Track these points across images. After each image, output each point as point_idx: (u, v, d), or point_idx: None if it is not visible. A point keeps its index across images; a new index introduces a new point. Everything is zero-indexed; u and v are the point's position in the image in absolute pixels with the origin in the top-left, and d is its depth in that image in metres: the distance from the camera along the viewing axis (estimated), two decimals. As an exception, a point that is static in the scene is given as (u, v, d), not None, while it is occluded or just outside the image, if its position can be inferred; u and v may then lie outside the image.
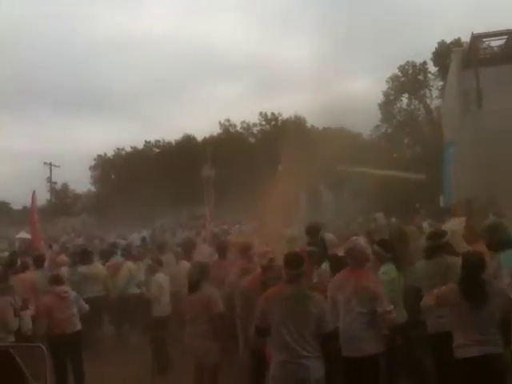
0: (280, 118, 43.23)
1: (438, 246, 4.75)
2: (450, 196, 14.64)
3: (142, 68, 65.72)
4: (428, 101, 37.89)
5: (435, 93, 36.84)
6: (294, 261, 4.02)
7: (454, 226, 6.80)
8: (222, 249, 6.88)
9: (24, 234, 16.05)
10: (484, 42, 17.40)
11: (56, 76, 69.92)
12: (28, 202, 14.09)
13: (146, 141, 46.00)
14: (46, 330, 5.71)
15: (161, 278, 7.02)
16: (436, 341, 4.48)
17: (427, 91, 37.91)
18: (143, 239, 14.88)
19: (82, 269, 7.97)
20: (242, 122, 44.54)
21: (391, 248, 5.06)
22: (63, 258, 8.78)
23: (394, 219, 11.82)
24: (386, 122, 38.28)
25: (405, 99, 38.35)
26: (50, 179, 40.33)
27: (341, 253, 5.49)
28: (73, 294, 6.07)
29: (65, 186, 48.68)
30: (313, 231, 6.22)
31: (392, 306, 4.17)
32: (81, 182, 59.71)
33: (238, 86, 61.56)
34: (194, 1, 68.00)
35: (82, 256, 8.26)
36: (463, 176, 14.19)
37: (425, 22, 54.94)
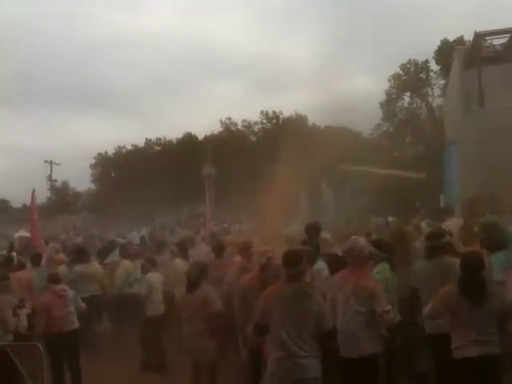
0: (281, 116, 43.18)
1: (437, 246, 4.70)
2: (451, 195, 14.61)
3: (142, 66, 65.82)
4: (430, 99, 37.82)
5: (437, 91, 36.77)
6: (292, 260, 4.00)
7: (452, 225, 6.77)
8: (218, 248, 6.86)
9: (23, 233, 16.02)
10: (487, 40, 17.34)
11: (56, 74, 69.99)
12: (28, 200, 14.09)
13: (146, 139, 46.12)
14: (44, 329, 5.71)
15: (153, 277, 7.06)
16: (435, 341, 4.44)
17: (429, 90, 37.83)
18: (142, 238, 14.88)
19: (78, 268, 7.95)
20: (243, 121, 44.57)
21: (386, 248, 5.04)
22: (61, 256, 8.76)
23: (391, 218, 11.78)
24: (387, 120, 38.20)
25: (407, 98, 38.29)
26: (50, 177, 40.51)
27: (338, 252, 5.48)
28: (71, 292, 6.08)
29: (65, 184, 48.74)
30: (312, 230, 6.18)
31: (390, 306, 4.14)
32: (81, 180, 60.01)
33: (239, 85, 61.71)
34: (194, 0, 67.93)
35: (79, 255, 8.24)
36: (465, 175, 14.15)
37: (427, 20, 55.01)
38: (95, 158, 47.28)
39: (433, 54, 35.67)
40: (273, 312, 3.89)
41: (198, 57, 64.51)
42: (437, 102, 36.39)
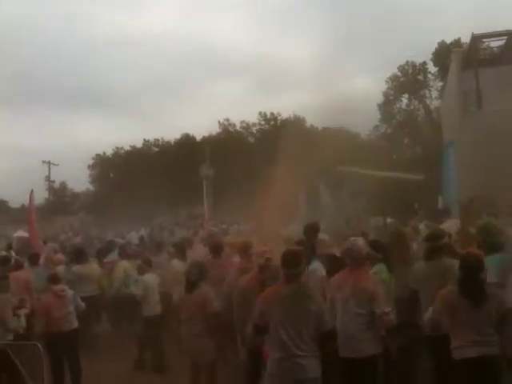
0: (279, 117, 43.26)
1: (436, 247, 4.70)
2: (449, 197, 14.63)
3: (141, 67, 65.87)
4: (428, 101, 37.98)
5: (435, 93, 36.96)
6: (291, 260, 4.00)
7: (450, 227, 6.78)
8: (216, 248, 6.85)
9: (22, 233, 16.00)
10: (484, 42, 17.41)
11: (56, 74, 70.01)
12: (26, 201, 14.07)
13: (145, 139, 46.12)
14: (44, 329, 5.71)
15: (149, 278, 7.07)
16: (434, 342, 4.45)
17: (427, 91, 38.01)
18: (141, 238, 14.87)
19: (76, 268, 7.95)
20: (242, 122, 44.63)
21: (382, 249, 5.03)
22: (60, 256, 8.76)
23: (389, 219, 11.80)
24: (385, 122, 38.31)
25: (404, 99, 38.44)
26: (48, 177, 40.44)
27: (335, 253, 5.49)
28: (70, 292, 6.09)
29: (63, 185, 48.70)
30: (310, 231, 6.18)
31: (390, 308, 4.14)
32: (79, 180, 59.64)
33: (238, 86, 61.66)
34: (194, 0, 67.97)
35: (77, 255, 8.24)
36: (462, 176, 14.18)
37: (425, 21, 55.07)
38: (93, 158, 47.31)
39: (430, 56, 35.88)
40: (271, 313, 3.89)
41: (198, 57, 64.61)
42: (434, 103, 36.61)
